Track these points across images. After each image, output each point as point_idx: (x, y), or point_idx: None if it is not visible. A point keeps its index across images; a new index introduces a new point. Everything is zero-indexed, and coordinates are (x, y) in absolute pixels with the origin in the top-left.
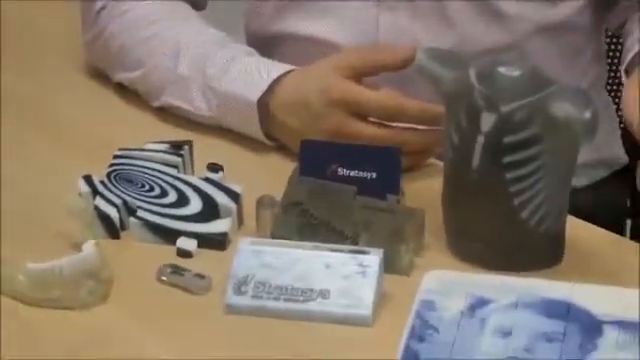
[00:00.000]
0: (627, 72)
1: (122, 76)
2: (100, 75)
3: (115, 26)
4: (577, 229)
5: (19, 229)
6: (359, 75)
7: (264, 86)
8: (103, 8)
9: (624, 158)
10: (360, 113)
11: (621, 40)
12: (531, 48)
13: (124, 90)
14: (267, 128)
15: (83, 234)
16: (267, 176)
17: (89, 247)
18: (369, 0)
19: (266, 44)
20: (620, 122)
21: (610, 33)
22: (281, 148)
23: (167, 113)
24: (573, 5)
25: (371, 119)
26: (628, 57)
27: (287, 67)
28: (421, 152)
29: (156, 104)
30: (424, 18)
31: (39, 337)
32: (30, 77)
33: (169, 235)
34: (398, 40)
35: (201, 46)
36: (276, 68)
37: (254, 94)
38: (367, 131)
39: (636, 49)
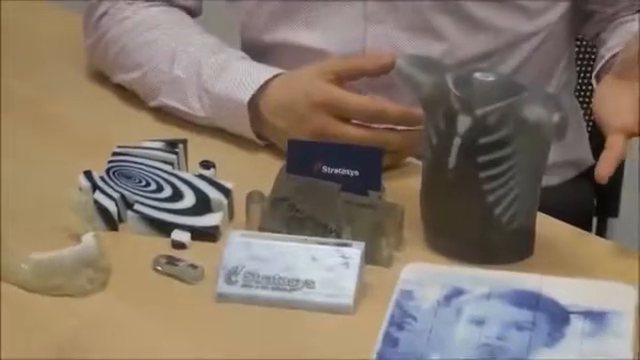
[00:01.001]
0: (597, 78)
1: (121, 77)
2: (99, 76)
3: (116, 30)
4: (547, 225)
5: (23, 222)
6: (342, 79)
7: (254, 88)
8: (105, 14)
9: (591, 160)
10: (343, 115)
11: (588, 47)
12: (511, 56)
13: (122, 91)
14: (257, 128)
15: (83, 226)
16: (256, 173)
17: (89, 238)
18: (357, 12)
19: (260, 52)
20: (587, 125)
21: (578, 40)
22: (270, 147)
23: (163, 113)
24: (551, 17)
25: (353, 121)
26: (598, 65)
27: (276, 71)
28: (401, 151)
29: (153, 104)
30: (410, 30)
31: (41, 322)
32: (30, 78)
33: (164, 228)
34: (384, 49)
35: (196, 50)
36: (265, 72)
37: (245, 96)
38: (350, 132)
39: (606, 57)
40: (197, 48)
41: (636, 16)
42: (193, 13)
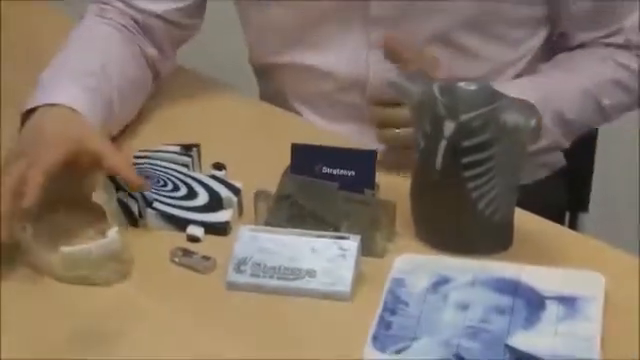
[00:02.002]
0: None
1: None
2: None
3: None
4: (524, 220)
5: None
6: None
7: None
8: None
9: (562, 161)
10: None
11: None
12: (497, 79)
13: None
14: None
15: (108, 222)
16: (263, 174)
17: (113, 233)
18: (361, 39)
19: (268, 71)
20: None
21: None
22: (276, 149)
23: (179, 119)
24: (535, 43)
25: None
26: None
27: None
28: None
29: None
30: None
31: (67, 309)
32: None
33: (180, 223)
34: (385, 72)
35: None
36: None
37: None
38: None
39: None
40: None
41: (610, 48)
42: (174, 26)
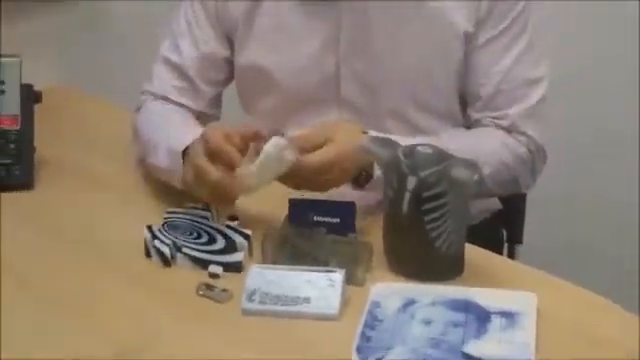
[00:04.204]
0: None
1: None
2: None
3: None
4: (472, 252)
5: (99, 265)
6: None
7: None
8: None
9: (499, 205)
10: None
11: None
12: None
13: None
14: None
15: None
16: (267, 223)
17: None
18: (336, 118)
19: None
20: None
21: None
22: (277, 202)
23: None
24: (458, 120)
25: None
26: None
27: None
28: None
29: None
30: (372, 129)
31: (104, 327)
32: (91, 153)
33: (203, 263)
34: (354, 135)
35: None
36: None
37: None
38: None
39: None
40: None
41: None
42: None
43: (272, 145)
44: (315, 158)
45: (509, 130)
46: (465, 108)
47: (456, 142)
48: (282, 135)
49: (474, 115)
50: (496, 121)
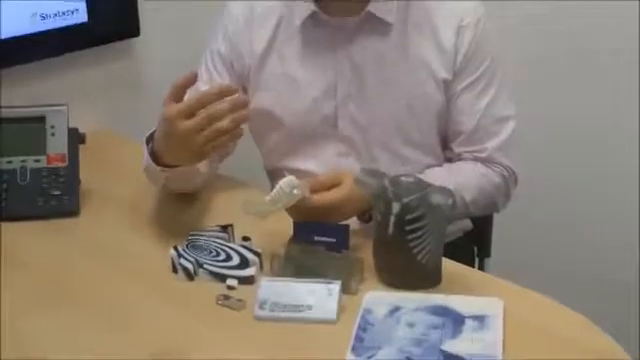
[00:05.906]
0: None
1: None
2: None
3: None
4: (448, 265)
5: (133, 279)
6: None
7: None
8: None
9: (471, 225)
10: (187, 112)
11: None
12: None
13: (192, 198)
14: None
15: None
16: (275, 242)
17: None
18: (334, 151)
19: (274, 172)
20: None
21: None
22: (283, 225)
23: (218, 209)
24: (440, 153)
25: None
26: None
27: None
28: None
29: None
30: (363, 161)
31: (137, 330)
32: (127, 185)
33: (221, 277)
34: (351, 171)
35: None
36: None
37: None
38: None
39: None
40: None
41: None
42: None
43: (285, 182)
44: (326, 197)
45: (486, 161)
46: (443, 143)
47: (442, 179)
48: (284, 174)
49: (456, 149)
50: (475, 154)
